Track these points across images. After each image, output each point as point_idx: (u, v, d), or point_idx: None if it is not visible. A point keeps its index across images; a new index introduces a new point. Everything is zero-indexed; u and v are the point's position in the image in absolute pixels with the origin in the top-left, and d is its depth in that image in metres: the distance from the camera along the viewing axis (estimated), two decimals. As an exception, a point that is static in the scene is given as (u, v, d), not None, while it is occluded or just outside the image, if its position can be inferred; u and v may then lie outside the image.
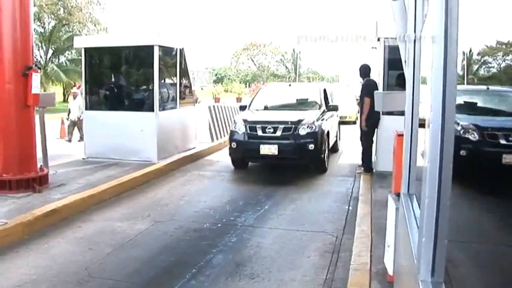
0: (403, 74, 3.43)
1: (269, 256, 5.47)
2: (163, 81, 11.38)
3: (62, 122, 15.95)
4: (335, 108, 11.54)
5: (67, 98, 33.19)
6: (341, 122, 17.18)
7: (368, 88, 9.26)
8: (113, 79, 11.77)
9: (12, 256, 5.45)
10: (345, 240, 5.98)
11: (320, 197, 8.21)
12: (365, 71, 9.78)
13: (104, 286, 4.73)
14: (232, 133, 10.10)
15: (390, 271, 3.97)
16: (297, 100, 11.87)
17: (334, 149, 12.45)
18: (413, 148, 3.12)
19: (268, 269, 5.11)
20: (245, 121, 10.03)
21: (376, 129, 9.55)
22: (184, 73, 11.80)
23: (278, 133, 9.53)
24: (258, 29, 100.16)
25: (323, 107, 11.00)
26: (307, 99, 11.79)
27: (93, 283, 4.78)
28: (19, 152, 7.61)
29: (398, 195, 3.55)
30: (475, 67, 44.22)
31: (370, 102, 8.91)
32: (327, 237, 6.12)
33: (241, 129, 9.88)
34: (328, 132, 10.38)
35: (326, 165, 10.23)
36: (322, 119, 10.24)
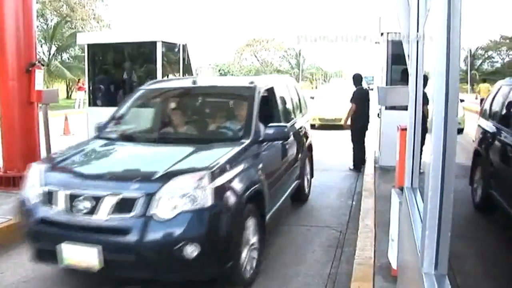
0: (406, 69, 3.44)
1: (273, 251, 5.49)
2: (166, 77, 11.38)
3: (66, 119, 15.99)
4: (282, 134, 5.37)
5: (71, 95, 33.36)
6: (331, 126, 16.39)
7: (358, 96, 9.87)
8: (116, 76, 11.77)
9: (18, 252, 5.47)
10: (349, 234, 6.00)
11: (324, 192, 8.21)
12: (357, 79, 10.19)
13: (107, 280, 4.75)
14: (21, 204, 4.53)
15: (394, 265, 3.98)
16: (197, 120, 5.99)
17: (300, 197, 7.33)
18: (416, 142, 3.13)
19: (272, 264, 5.13)
20: (43, 173, 4.45)
21: (366, 131, 10.07)
22: (188, 69, 11.78)
23: (102, 215, 3.93)
24: (261, 26, 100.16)
25: (254, 133, 5.09)
26: (222, 116, 5.86)
27: (100, 277, 4.80)
28: (22, 149, 7.63)
29: (401, 189, 3.55)
30: (479, 62, 44.09)
31: (356, 108, 9.68)
32: (331, 232, 6.14)
33: (32, 196, 4.33)
34: (259, 193, 4.78)
35: (246, 275, 4.51)
36: (243, 167, 4.59)
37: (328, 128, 16.62)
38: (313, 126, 14.64)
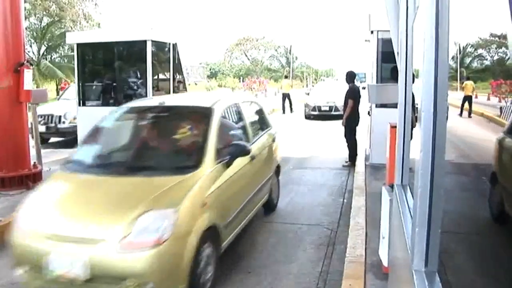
0: (397, 67, 3.44)
1: (265, 250, 5.49)
2: (156, 76, 11.34)
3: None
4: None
5: (61, 95, 33.25)
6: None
7: (353, 93, 10.13)
8: (106, 75, 11.71)
9: (7, 254, 5.43)
10: (340, 232, 6.01)
11: (315, 190, 8.21)
12: (351, 76, 10.41)
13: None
14: None
15: (385, 263, 3.99)
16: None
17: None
18: (406, 140, 3.13)
19: (264, 262, 5.13)
20: None
21: (356, 127, 10.26)
22: (178, 68, 11.74)
23: None
24: (251, 25, 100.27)
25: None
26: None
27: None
28: (12, 149, 7.57)
29: (392, 186, 3.56)
30: (468, 59, 44.28)
31: (353, 104, 9.92)
32: (322, 230, 6.15)
33: None
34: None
35: None
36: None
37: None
38: None
